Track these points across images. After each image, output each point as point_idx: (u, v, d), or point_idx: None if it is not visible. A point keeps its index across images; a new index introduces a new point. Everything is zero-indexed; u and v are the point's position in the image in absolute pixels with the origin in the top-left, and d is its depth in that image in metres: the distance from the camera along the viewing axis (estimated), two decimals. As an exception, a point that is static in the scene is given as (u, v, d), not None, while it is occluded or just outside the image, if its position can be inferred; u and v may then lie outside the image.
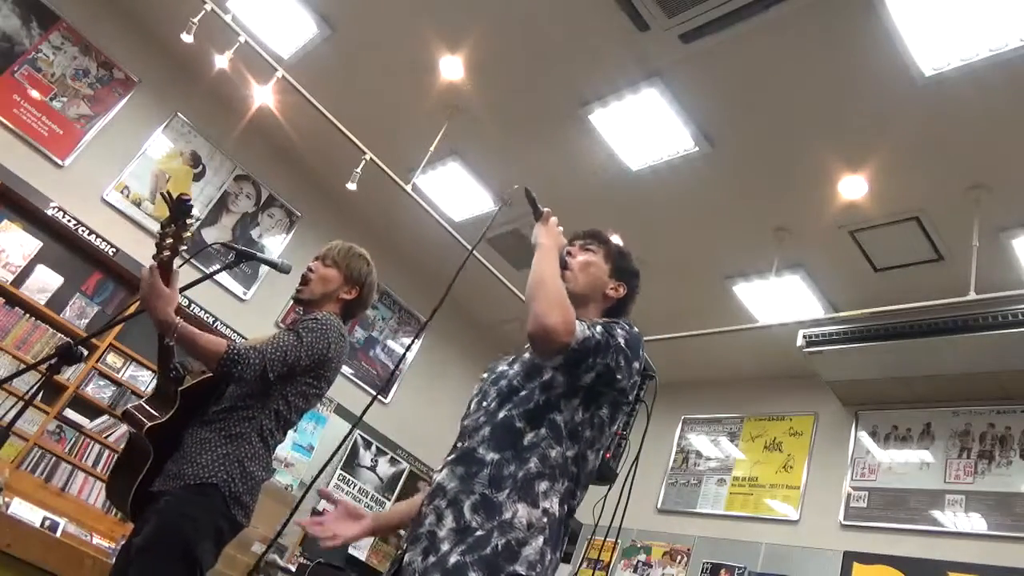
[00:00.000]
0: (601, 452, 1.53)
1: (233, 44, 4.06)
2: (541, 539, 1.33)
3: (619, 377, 1.47)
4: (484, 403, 1.54)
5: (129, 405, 2.09)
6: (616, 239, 1.84)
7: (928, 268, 4.26)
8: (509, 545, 1.30)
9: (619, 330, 1.51)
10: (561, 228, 1.70)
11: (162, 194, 1.91)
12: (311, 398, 2.17)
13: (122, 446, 2.15)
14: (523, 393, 1.49)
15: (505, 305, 5.64)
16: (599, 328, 1.47)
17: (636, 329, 1.57)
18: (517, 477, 1.38)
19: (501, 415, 1.47)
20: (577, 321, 1.42)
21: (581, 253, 1.74)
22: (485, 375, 1.66)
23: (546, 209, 1.71)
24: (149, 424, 2.00)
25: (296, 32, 4.64)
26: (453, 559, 1.28)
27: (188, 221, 1.89)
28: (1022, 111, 3.36)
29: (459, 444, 1.50)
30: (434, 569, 1.29)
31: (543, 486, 1.38)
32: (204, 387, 2.12)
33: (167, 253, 1.91)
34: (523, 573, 1.28)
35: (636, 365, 1.52)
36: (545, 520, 1.35)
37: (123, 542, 2.07)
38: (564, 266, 1.66)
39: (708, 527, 5.36)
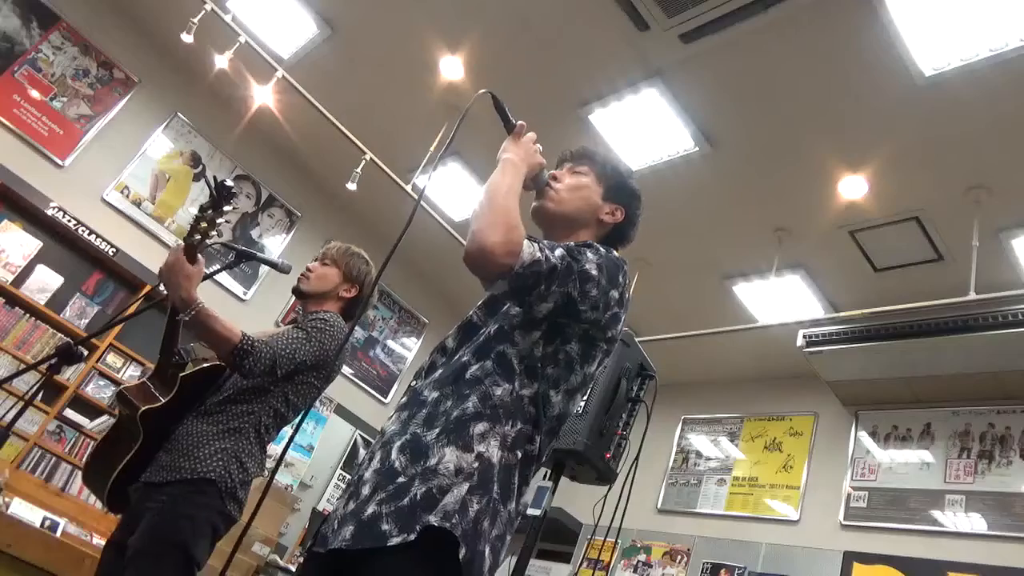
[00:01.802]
0: (576, 396, 1.35)
1: (233, 44, 4.06)
2: (466, 487, 1.14)
3: (582, 308, 1.27)
4: (442, 343, 1.41)
5: (123, 386, 2.03)
6: (614, 157, 1.62)
7: (928, 268, 4.26)
8: (429, 493, 1.12)
9: (589, 253, 1.30)
10: (539, 147, 1.50)
11: (206, 179, 1.89)
12: (310, 397, 2.17)
13: (107, 431, 2.08)
14: (480, 326, 1.35)
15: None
16: (559, 252, 1.26)
17: (615, 253, 1.37)
18: (451, 416, 1.21)
19: (457, 353, 1.33)
20: (527, 241, 1.22)
21: (570, 176, 1.56)
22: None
23: (519, 122, 1.50)
24: (144, 408, 1.95)
25: (296, 32, 4.64)
26: (370, 509, 1.14)
27: (227, 208, 1.86)
28: (1022, 111, 3.36)
29: (412, 383, 1.38)
30: (351, 518, 1.16)
31: (480, 428, 1.20)
32: (203, 377, 2.09)
33: (198, 237, 1.87)
34: (435, 524, 1.09)
35: (613, 294, 1.31)
36: (477, 466, 1.16)
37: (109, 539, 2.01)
38: (545, 187, 1.51)
39: (708, 527, 5.36)
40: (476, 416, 1.21)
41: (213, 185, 1.84)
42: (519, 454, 1.23)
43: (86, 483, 2.12)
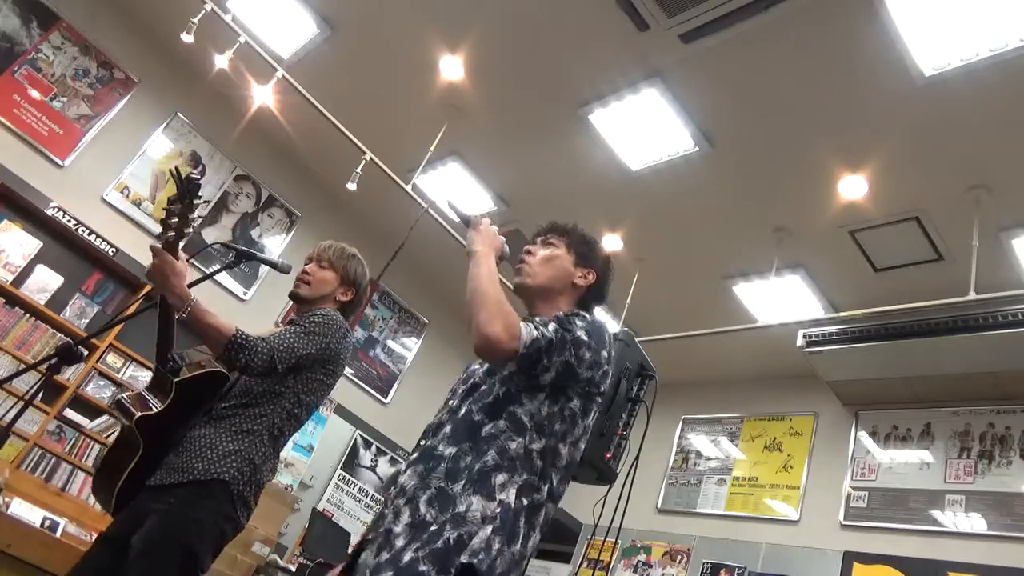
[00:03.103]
0: (580, 444, 1.51)
1: (233, 44, 4.06)
2: (490, 528, 1.30)
3: (579, 371, 1.45)
4: (450, 401, 1.54)
5: (122, 395, 2.01)
6: (581, 229, 1.77)
7: (928, 268, 4.26)
8: (460, 539, 1.28)
9: (577, 322, 1.48)
10: (495, 228, 1.63)
11: (171, 171, 1.83)
12: (320, 395, 2.15)
13: (112, 441, 2.06)
14: (483, 388, 1.48)
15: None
16: (551, 326, 1.44)
17: (598, 319, 1.55)
18: (473, 469, 1.36)
19: (462, 411, 1.47)
20: (523, 323, 1.40)
21: (543, 248, 1.70)
22: (463, 374, 1.65)
23: (474, 214, 1.66)
24: (139, 414, 1.93)
25: (296, 32, 4.64)
26: (407, 556, 1.27)
27: (195, 201, 1.83)
28: (1022, 111, 3.36)
29: (422, 442, 1.49)
30: (387, 566, 1.28)
31: (500, 478, 1.35)
32: (200, 383, 2.05)
33: (172, 235, 1.86)
34: (466, 562, 1.25)
35: (603, 354, 1.50)
36: (499, 511, 1.32)
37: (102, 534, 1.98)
38: (520, 263, 1.67)
39: (708, 527, 5.36)
40: (496, 468, 1.36)
41: (178, 179, 1.81)
42: (525, 501, 1.37)
43: (95, 494, 2.10)
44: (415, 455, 1.46)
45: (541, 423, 1.42)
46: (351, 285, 2.29)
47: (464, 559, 1.25)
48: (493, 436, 1.40)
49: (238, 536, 2.02)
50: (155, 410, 1.95)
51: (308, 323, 2.08)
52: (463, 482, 1.34)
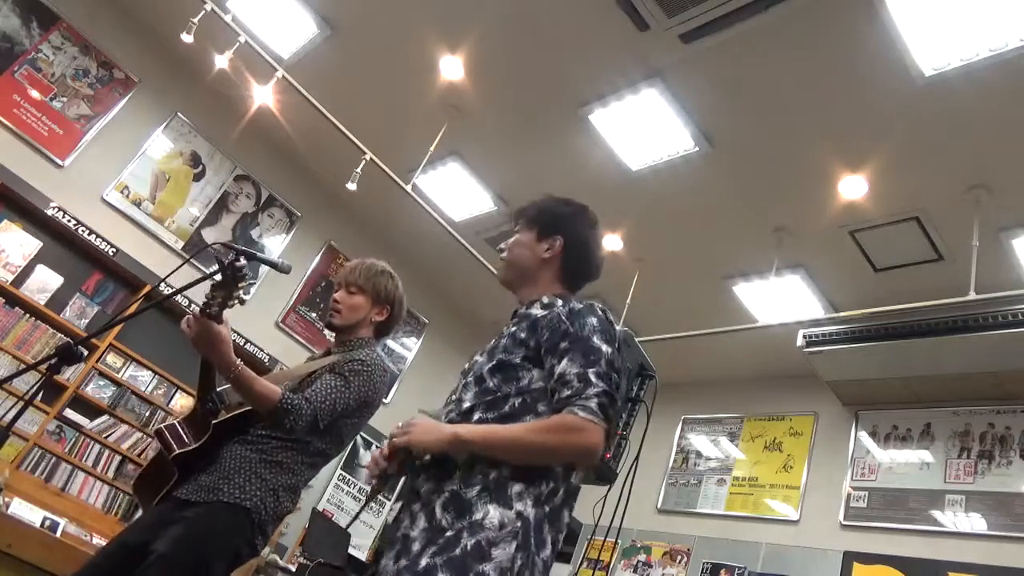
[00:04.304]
0: None
1: (233, 44, 4.06)
2: (514, 544, 1.28)
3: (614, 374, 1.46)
4: (457, 400, 1.50)
5: (163, 424, 2.07)
6: (540, 200, 1.71)
7: (928, 268, 4.26)
8: (479, 545, 1.27)
9: (595, 339, 1.44)
10: (401, 429, 1.43)
11: (217, 258, 1.80)
12: (353, 434, 2.19)
13: (152, 456, 2.16)
14: (498, 394, 1.45)
15: (505, 304, 5.64)
16: (592, 373, 1.39)
17: (599, 311, 1.50)
18: (489, 476, 1.34)
19: (475, 418, 1.43)
20: (567, 413, 1.34)
21: (511, 238, 1.69)
22: (466, 365, 1.63)
23: (383, 443, 1.49)
24: (178, 451, 1.98)
25: (296, 32, 4.64)
26: (423, 562, 1.27)
27: (240, 285, 1.82)
28: (1022, 111, 3.36)
29: None
30: (405, 572, 1.28)
31: (517, 488, 1.34)
32: (236, 422, 2.09)
33: (216, 309, 1.85)
34: (491, 574, 1.24)
35: (617, 343, 1.49)
36: (519, 524, 1.31)
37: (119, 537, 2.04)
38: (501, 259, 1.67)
39: (708, 527, 5.36)
40: (513, 477, 1.34)
41: (222, 265, 1.78)
42: (547, 509, 1.36)
43: (136, 494, 2.21)
44: (428, 457, 1.42)
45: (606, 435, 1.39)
46: (385, 303, 2.28)
47: (491, 571, 1.25)
48: None
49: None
50: (191, 447, 2.00)
51: (349, 372, 2.07)
52: (478, 488, 1.33)
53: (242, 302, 1.85)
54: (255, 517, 1.94)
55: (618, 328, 1.55)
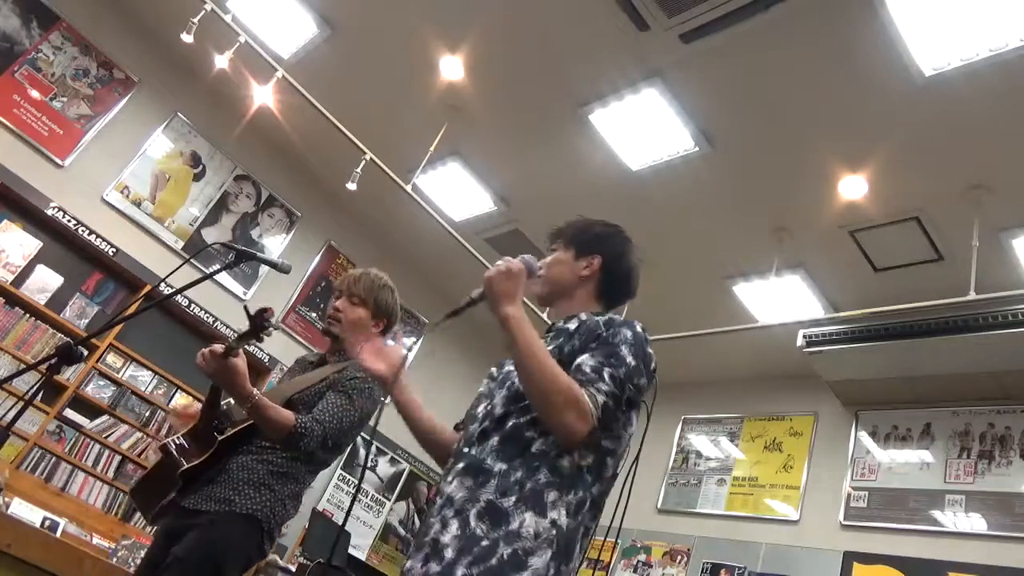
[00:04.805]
0: (619, 452, 1.50)
1: (233, 44, 4.05)
2: (549, 553, 1.29)
3: (636, 398, 1.47)
4: (490, 408, 1.49)
5: (169, 439, 2.14)
6: (578, 219, 1.75)
7: (928, 268, 4.26)
8: (515, 554, 1.27)
9: (624, 348, 1.44)
10: (507, 265, 1.48)
11: (247, 311, 1.90)
12: (351, 441, 2.25)
13: (155, 463, 2.22)
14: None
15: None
16: (607, 374, 1.38)
17: (638, 328, 1.50)
18: (525, 486, 1.34)
19: (509, 424, 1.42)
20: (583, 392, 1.34)
21: (549, 256, 1.69)
22: (493, 371, 1.62)
23: (482, 286, 1.50)
24: (187, 466, 2.04)
25: (296, 32, 4.64)
26: (459, 571, 1.25)
27: (265, 335, 1.92)
28: (1022, 111, 3.36)
29: (466, 450, 1.45)
30: None
31: (552, 496, 1.34)
32: (239, 435, 2.16)
33: (234, 348, 1.95)
34: None
35: (652, 365, 1.50)
36: (554, 532, 1.31)
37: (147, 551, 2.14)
38: (539, 277, 1.64)
39: (708, 527, 5.36)
40: (548, 485, 1.34)
41: (250, 317, 1.88)
42: (579, 519, 1.38)
43: (133, 498, 2.25)
44: (460, 464, 1.42)
45: (591, 440, 1.39)
46: (384, 316, 2.34)
47: None
48: (544, 453, 1.37)
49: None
50: (197, 462, 2.06)
51: (352, 391, 2.15)
52: (514, 498, 1.32)
53: (260, 340, 1.96)
54: (265, 526, 2.02)
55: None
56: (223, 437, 2.09)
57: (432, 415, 1.67)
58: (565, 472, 1.37)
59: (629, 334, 1.47)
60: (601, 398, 1.36)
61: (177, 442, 2.11)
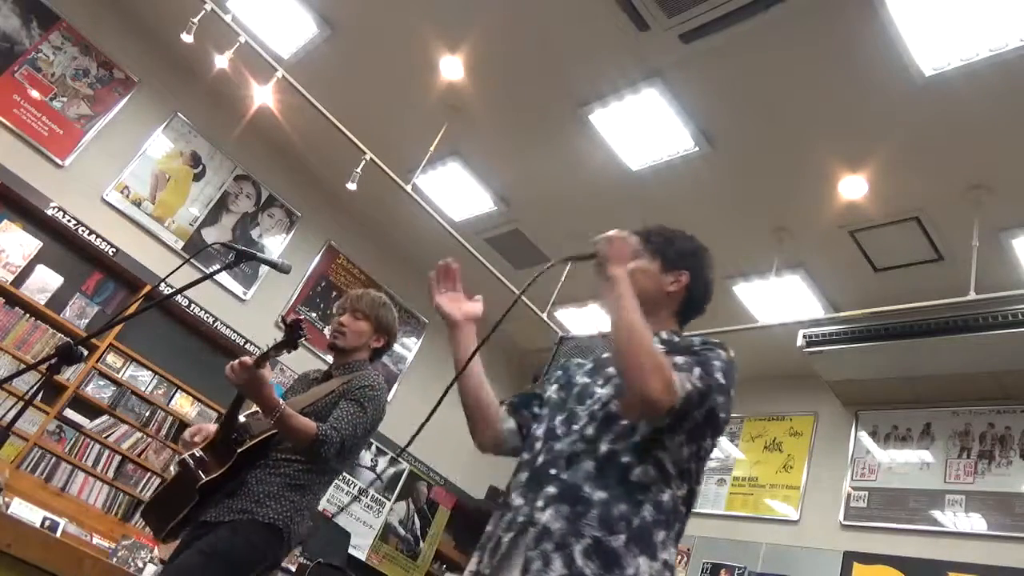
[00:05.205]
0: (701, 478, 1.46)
1: (233, 44, 4.05)
2: None
3: (721, 415, 1.41)
4: (576, 427, 1.42)
5: (186, 454, 2.20)
6: (664, 228, 1.68)
7: (928, 268, 4.26)
8: None
9: (716, 364, 1.41)
10: (626, 234, 1.48)
11: (284, 321, 2.06)
12: (359, 452, 2.39)
13: (170, 479, 2.30)
14: (624, 422, 1.38)
15: (504, 304, 5.63)
16: (696, 372, 1.36)
17: (732, 353, 1.48)
18: (632, 524, 1.28)
19: (604, 448, 1.36)
20: (675, 375, 1.30)
21: (633, 263, 1.57)
22: (560, 376, 1.58)
23: (597, 242, 1.47)
24: (205, 480, 2.11)
25: (296, 32, 4.64)
26: None
27: (297, 347, 2.06)
28: (1022, 111, 3.36)
29: (553, 472, 1.37)
30: None
31: (660, 535, 1.30)
32: (257, 447, 2.23)
33: (263, 358, 2.07)
34: None
35: (733, 393, 1.45)
36: (666, 574, 1.28)
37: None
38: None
39: (708, 527, 5.35)
40: (655, 524, 1.30)
41: (285, 328, 2.03)
42: (673, 551, 1.34)
43: (144, 518, 2.37)
44: (552, 489, 1.34)
45: (682, 468, 1.37)
46: (384, 332, 2.50)
47: None
48: (644, 486, 1.33)
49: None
50: (216, 474, 2.14)
51: (364, 399, 2.27)
52: (624, 537, 1.26)
53: (294, 349, 2.13)
54: (285, 535, 2.11)
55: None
56: (242, 448, 2.16)
57: (482, 371, 1.66)
58: (667, 508, 1.33)
59: (723, 356, 1.45)
60: (688, 386, 1.32)
61: (196, 455, 2.18)
